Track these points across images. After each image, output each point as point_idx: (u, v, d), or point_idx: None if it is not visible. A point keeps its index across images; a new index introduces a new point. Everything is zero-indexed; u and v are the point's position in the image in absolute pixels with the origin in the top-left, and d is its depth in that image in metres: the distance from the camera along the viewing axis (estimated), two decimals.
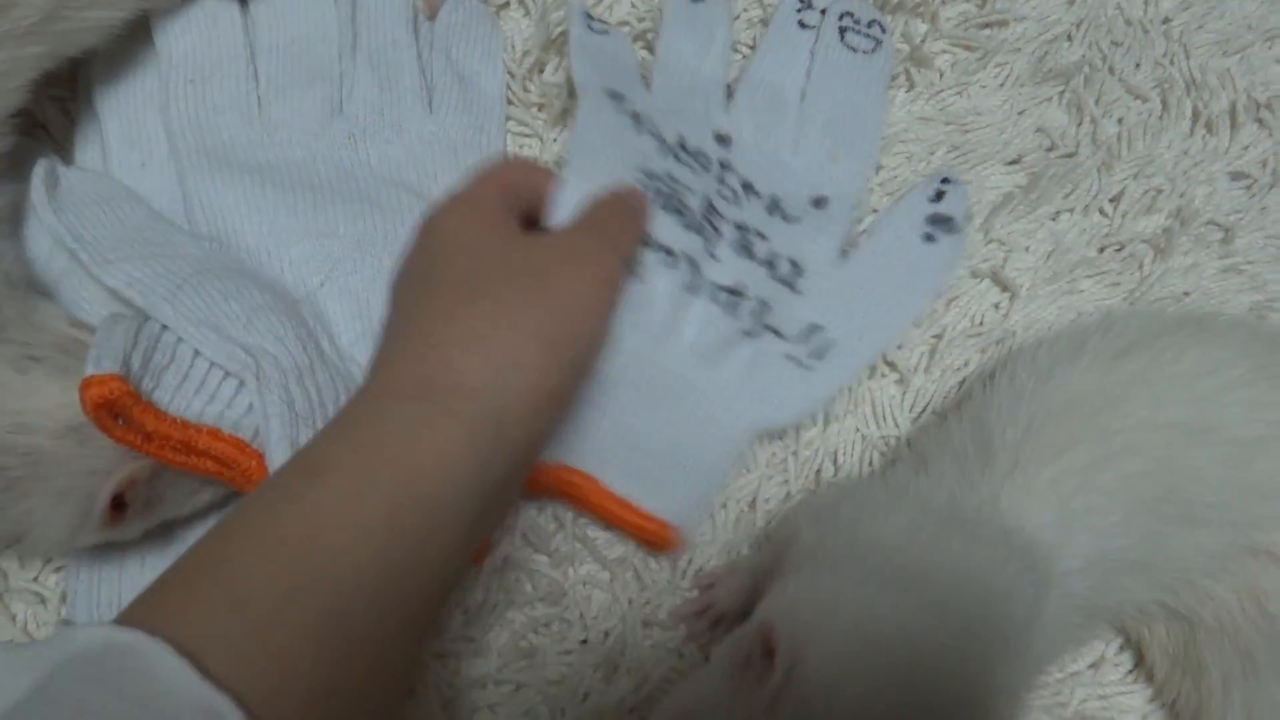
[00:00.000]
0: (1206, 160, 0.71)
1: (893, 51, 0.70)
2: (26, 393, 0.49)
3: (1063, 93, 0.72)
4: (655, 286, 0.56)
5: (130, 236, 0.57)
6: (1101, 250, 0.69)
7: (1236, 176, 0.71)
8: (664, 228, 0.57)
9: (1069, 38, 0.73)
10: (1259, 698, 0.55)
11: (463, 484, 0.41)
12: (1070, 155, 0.70)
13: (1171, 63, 0.72)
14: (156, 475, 0.50)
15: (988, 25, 0.73)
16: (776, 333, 0.60)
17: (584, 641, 0.59)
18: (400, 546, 0.39)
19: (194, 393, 0.50)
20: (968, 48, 0.72)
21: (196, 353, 0.51)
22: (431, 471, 0.40)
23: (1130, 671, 0.62)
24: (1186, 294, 0.68)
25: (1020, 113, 0.71)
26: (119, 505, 0.50)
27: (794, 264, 0.62)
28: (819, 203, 0.65)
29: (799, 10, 0.70)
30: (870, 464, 0.64)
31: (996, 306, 0.67)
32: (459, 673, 0.58)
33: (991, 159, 0.70)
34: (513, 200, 0.52)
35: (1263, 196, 0.70)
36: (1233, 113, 0.71)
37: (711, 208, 0.60)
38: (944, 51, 0.72)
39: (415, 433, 0.41)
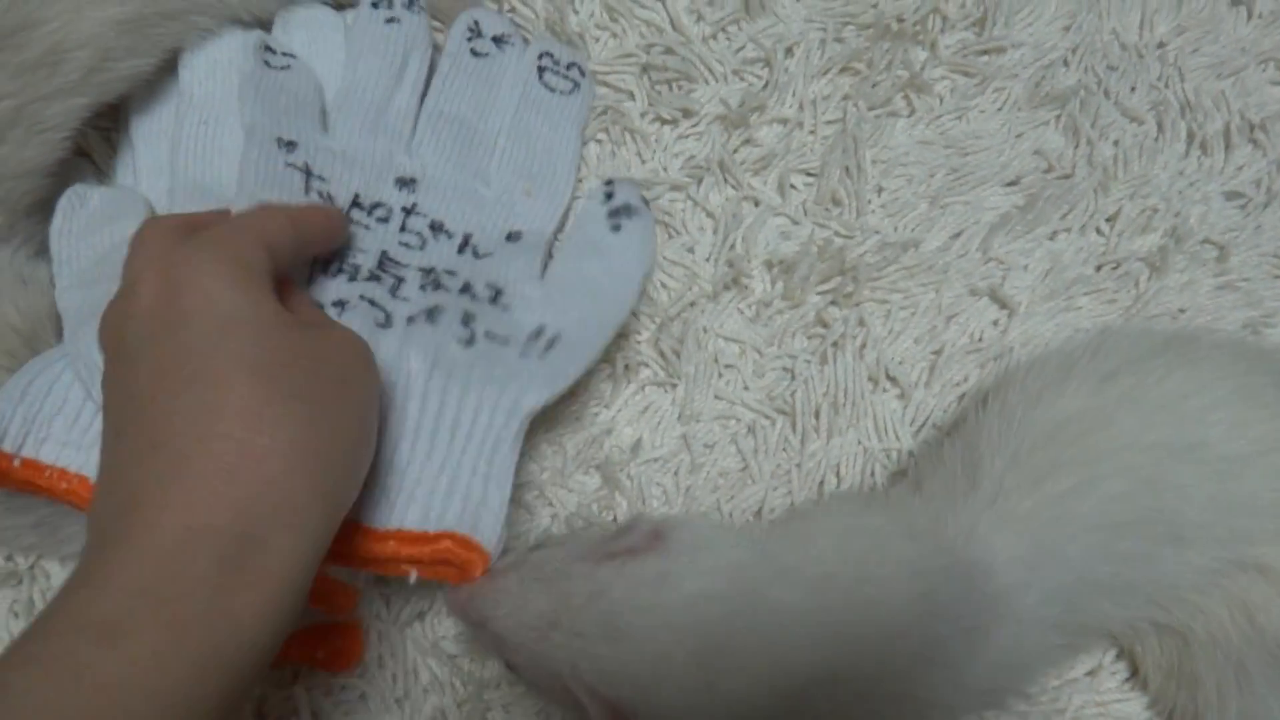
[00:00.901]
0: (1201, 180, 0.73)
1: (591, 94, 0.72)
2: None
3: (1059, 116, 0.74)
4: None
5: (106, 256, 0.60)
6: (1098, 268, 0.71)
7: (1231, 196, 0.73)
8: (331, 287, 0.58)
9: (1065, 63, 0.75)
10: (1255, 709, 0.56)
11: (272, 637, 0.38)
12: (1067, 176, 0.72)
13: (1166, 86, 0.75)
14: None
15: (986, 52, 0.75)
16: (500, 339, 0.57)
17: None
18: (202, 714, 0.35)
19: (82, 436, 0.52)
20: (966, 74, 0.75)
21: (87, 397, 0.53)
22: (246, 630, 0.37)
23: (1127, 680, 0.64)
24: (1182, 310, 0.70)
25: (1018, 136, 0.74)
26: None
27: (492, 287, 0.61)
28: (512, 237, 0.65)
29: (470, 39, 0.71)
30: (872, 475, 0.66)
31: (995, 323, 0.70)
32: (472, 673, 0.60)
33: (990, 181, 0.72)
34: (274, 261, 0.47)
35: (1257, 215, 0.72)
36: (1227, 134, 0.73)
37: (388, 260, 0.61)
38: (943, 78, 0.75)
39: (227, 587, 0.36)
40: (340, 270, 0.60)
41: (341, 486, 0.43)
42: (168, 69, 0.67)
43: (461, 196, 0.67)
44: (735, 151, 0.72)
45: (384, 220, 0.63)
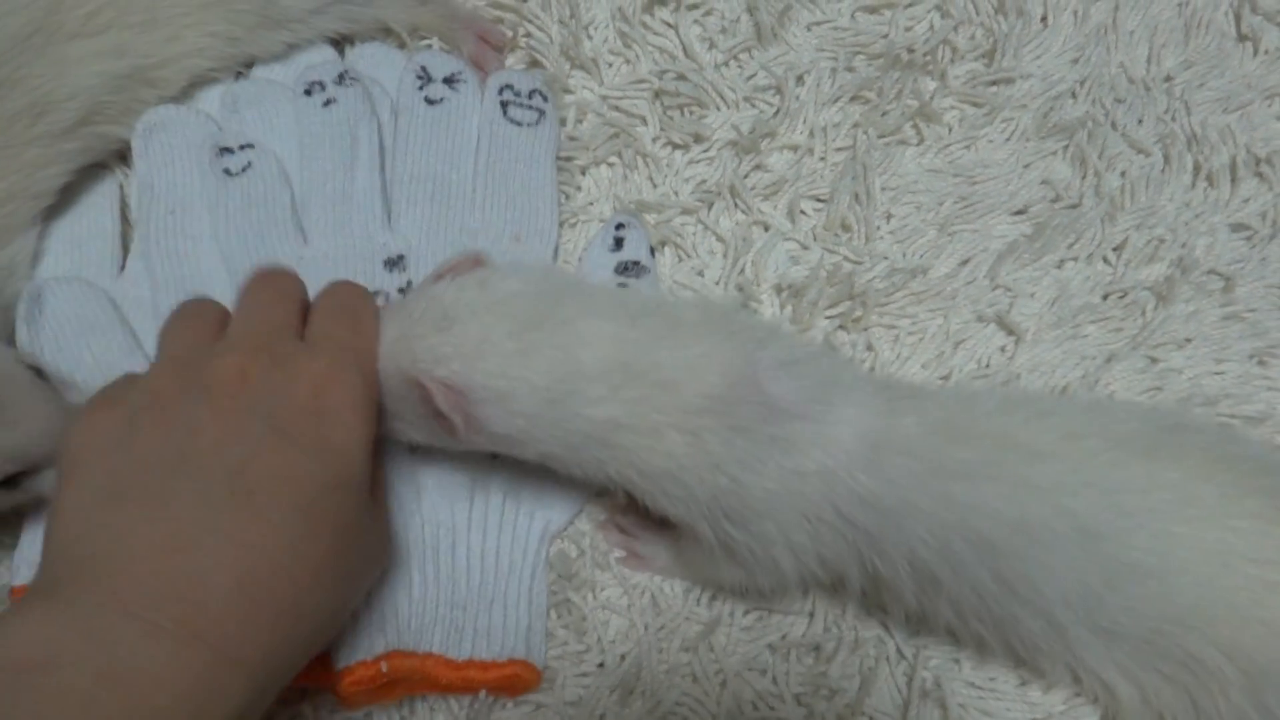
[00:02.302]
0: (1207, 212, 0.73)
1: (557, 120, 0.72)
2: None
3: (1067, 147, 0.75)
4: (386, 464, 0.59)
5: (98, 362, 0.63)
6: (1105, 297, 0.71)
7: (1237, 228, 0.73)
8: None
9: (1073, 95, 0.76)
10: None
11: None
12: (1074, 206, 0.73)
13: (1173, 119, 0.76)
14: None
15: (994, 83, 0.76)
16: None
17: (601, 665, 0.61)
18: None
19: None
20: (975, 104, 0.76)
21: None
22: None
23: None
24: (1188, 340, 0.70)
25: (1026, 166, 0.74)
26: None
27: None
28: None
29: (420, 87, 0.70)
30: None
31: (1002, 349, 0.70)
32: (479, 693, 0.60)
33: (998, 209, 0.73)
34: None
35: (1263, 247, 0.72)
36: (1233, 167, 0.74)
37: None
38: (952, 108, 0.76)
39: (156, 665, 0.39)
40: None
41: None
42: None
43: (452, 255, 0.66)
44: (746, 177, 0.73)
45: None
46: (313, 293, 0.62)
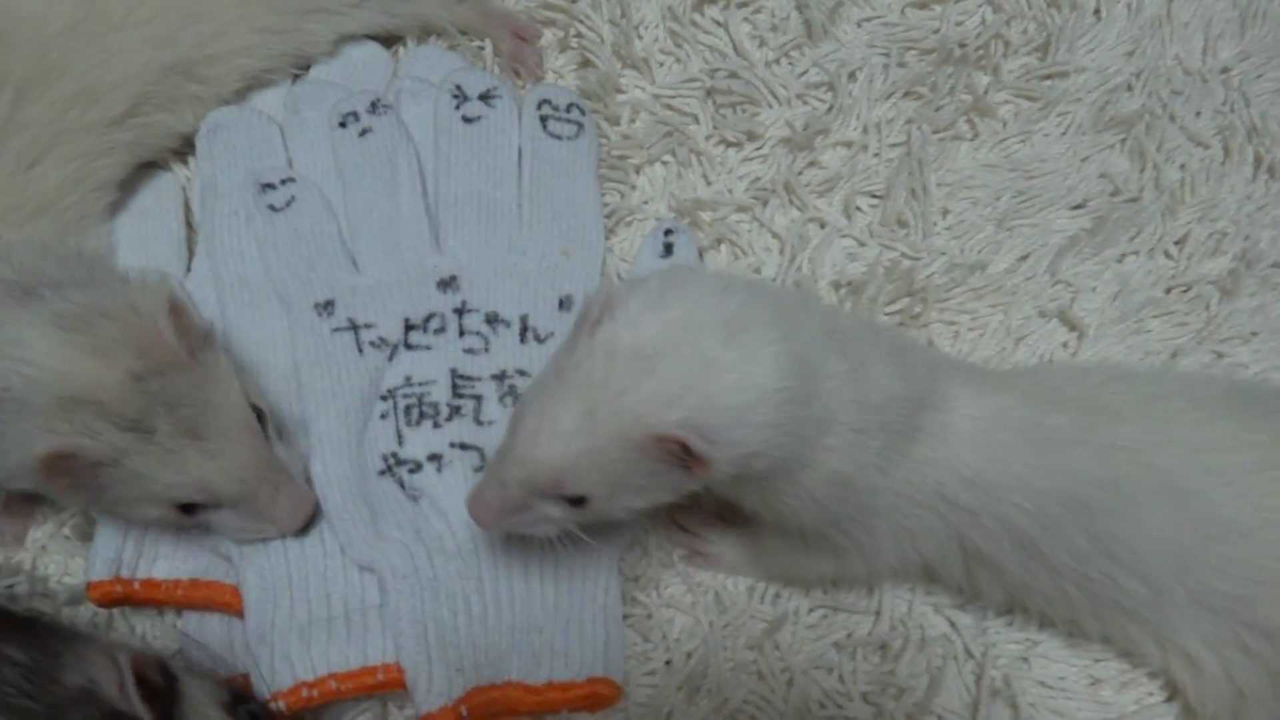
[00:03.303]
0: (1270, 204, 0.72)
1: (595, 132, 0.71)
2: (60, 350, 0.51)
3: (1125, 140, 0.74)
4: (451, 489, 0.58)
5: None
6: (1168, 291, 0.70)
7: None
8: (420, 440, 0.60)
9: (1129, 87, 0.75)
10: None
11: None
12: (1134, 200, 0.72)
13: (1232, 110, 0.75)
14: (98, 465, 0.52)
15: (1049, 76, 0.75)
16: None
17: (668, 663, 0.61)
18: None
19: (185, 549, 0.61)
20: (1030, 98, 0.75)
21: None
22: None
23: None
24: (1254, 334, 0.69)
25: (1083, 159, 0.74)
26: (66, 471, 0.51)
27: None
28: (565, 304, 0.65)
29: (457, 106, 0.69)
30: None
31: (1065, 345, 0.69)
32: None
33: (1056, 203, 0.72)
34: None
35: None
36: None
37: (459, 379, 0.62)
38: (1006, 102, 0.75)
39: None
40: (423, 416, 0.61)
41: None
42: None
43: (505, 276, 0.66)
44: (800, 173, 0.73)
45: (440, 330, 0.63)
46: (371, 318, 0.63)
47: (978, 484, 0.51)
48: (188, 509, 0.55)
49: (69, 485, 0.52)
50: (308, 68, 0.74)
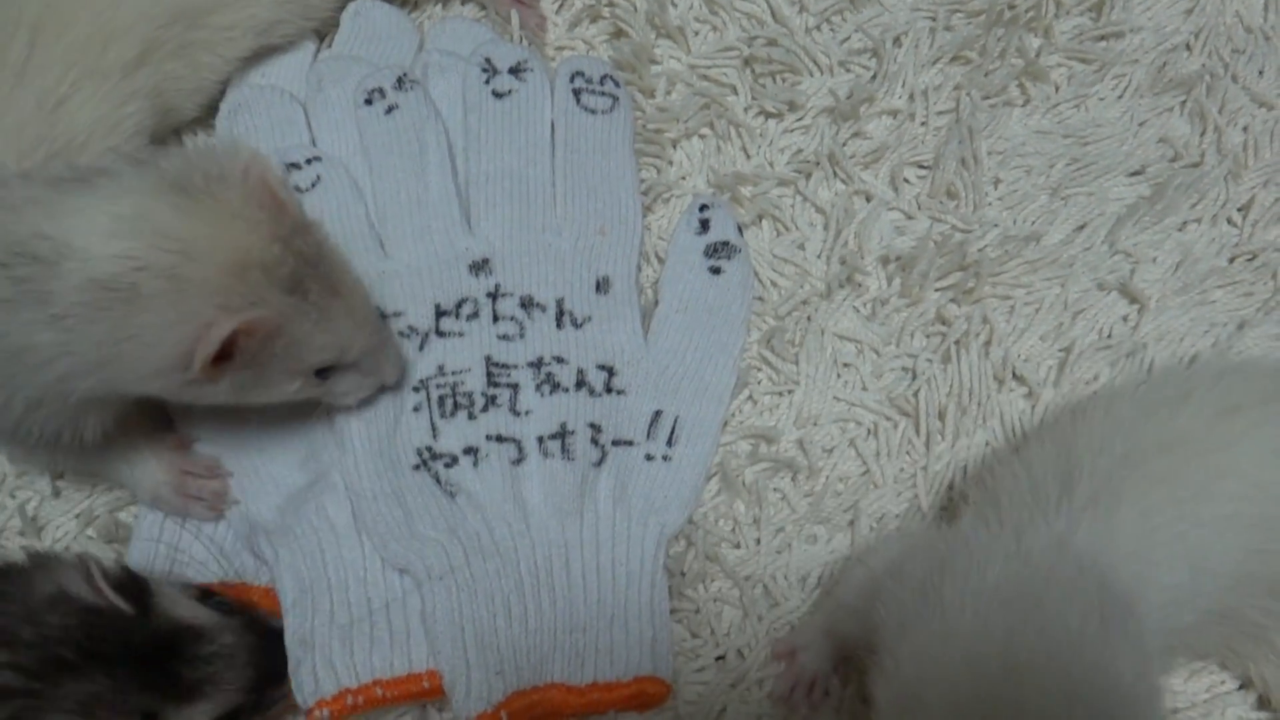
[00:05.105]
0: None
1: (630, 105, 0.68)
2: (204, 217, 0.46)
3: (1184, 102, 0.71)
4: (488, 483, 0.57)
5: None
6: (1232, 260, 0.67)
7: None
8: (455, 433, 0.58)
9: (1188, 47, 0.72)
10: None
11: None
12: (1196, 165, 0.69)
13: None
14: (273, 336, 0.48)
15: (1103, 38, 0.72)
16: (625, 443, 0.60)
17: (720, 659, 0.59)
18: None
19: (219, 549, 0.60)
20: (1084, 60, 0.72)
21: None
22: None
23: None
24: None
25: (1141, 124, 0.70)
26: (225, 354, 0.46)
27: (604, 368, 0.61)
28: (602, 285, 0.63)
29: (487, 80, 0.66)
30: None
31: (1125, 319, 0.66)
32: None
33: (1113, 170, 0.69)
34: None
35: None
36: None
37: (494, 367, 0.60)
38: (1059, 65, 0.72)
39: None
40: (457, 407, 0.59)
41: None
42: None
43: (539, 258, 0.63)
44: (844, 144, 0.70)
45: (474, 316, 0.61)
46: (400, 305, 0.60)
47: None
48: (321, 373, 0.52)
49: (235, 370, 0.47)
50: (324, 31, 0.71)
